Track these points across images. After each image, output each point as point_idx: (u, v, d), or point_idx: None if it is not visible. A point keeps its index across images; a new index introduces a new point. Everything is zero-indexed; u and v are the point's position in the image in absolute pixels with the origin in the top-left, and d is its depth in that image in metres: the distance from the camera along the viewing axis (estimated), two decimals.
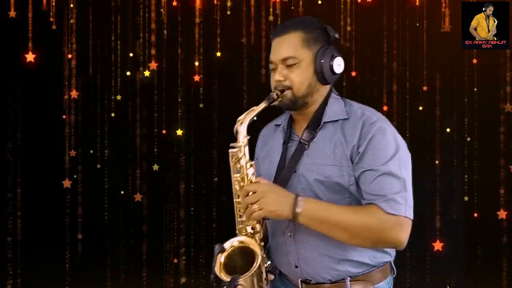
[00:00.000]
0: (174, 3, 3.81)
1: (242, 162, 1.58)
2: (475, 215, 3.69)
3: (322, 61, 1.63)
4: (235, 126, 1.59)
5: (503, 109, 3.69)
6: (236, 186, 1.60)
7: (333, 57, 1.64)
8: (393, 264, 1.69)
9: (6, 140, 3.77)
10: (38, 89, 3.80)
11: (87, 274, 3.76)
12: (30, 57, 3.71)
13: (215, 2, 3.80)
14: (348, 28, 3.71)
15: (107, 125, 3.85)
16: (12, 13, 3.71)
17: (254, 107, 1.60)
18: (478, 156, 3.71)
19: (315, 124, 1.67)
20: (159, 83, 3.85)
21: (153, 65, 3.83)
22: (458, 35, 3.37)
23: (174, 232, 3.80)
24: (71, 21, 3.76)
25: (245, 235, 1.59)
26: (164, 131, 3.87)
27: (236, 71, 3.81)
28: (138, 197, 3.83)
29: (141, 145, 3.86)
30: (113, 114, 3.86)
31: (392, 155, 1.57)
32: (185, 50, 3.85)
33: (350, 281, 1.61)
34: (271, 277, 1.61)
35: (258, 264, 1.54)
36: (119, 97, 3.85)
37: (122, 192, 3.87)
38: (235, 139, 1.61)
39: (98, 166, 3.84)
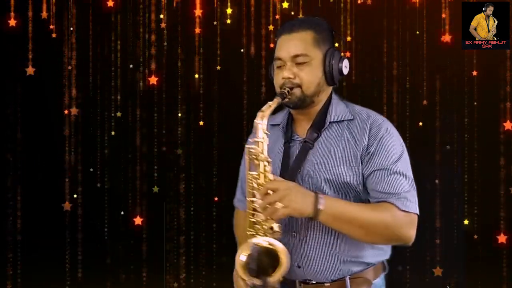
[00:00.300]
0: (174, 5, 3.78)
1: (261, 158, 1.56)
2: (475, 237, 3.65)
3: (333, 62, 1.66)
4: (256, 119, 1.58)
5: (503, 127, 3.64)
6: (253, 184, 1.57)
7: (341, 59, 1.68)
8: (385, 262, 1.73)
9: (7, 144, 3.76)
10: (38, 103, 3.77)
11: (87, 274, 3.76)
12: (30, 70, 3.68)
13: (215, 4, 3.77)
14: (348, 38, 3.69)
15: (108, 143, 3.82)
16: (12, 22, 3.68)
17: (270, 103, 1.60)
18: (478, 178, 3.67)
19: (319, 124, 1.69)
20: (159, 97, 3.81)
21: (153, 79, 3.79)
22: (458, 48, 3.43)
23: (174, 232, 3.80)
24: (71, 28, 3.73)
25: (263, 234, 1.55)
26: (164, 148, 3.83)
27: (236, 83, 3.77)
28: (138, 220, 3.80)
29: (141, 165, 3.82)
30: (113, 133, 3.81)
31: (399, 156, 1.63)
32: (185, 63, 3.81)
33: (349, 279, 1.64)
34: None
35: (286, 268, 1.52)
36: (119, 114, 3.81)
37: (122, 213, 3.85)
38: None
39: (98, 185, 3.80)
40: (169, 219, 3.82)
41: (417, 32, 3.68)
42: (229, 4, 3.76)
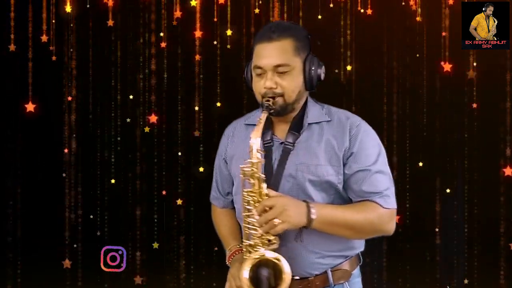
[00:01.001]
0: (175, 23, 3.72)
1: (256, 177, 1.61)
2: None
3: (313, 69, 1.70)
4: (250, 140, 1.61)
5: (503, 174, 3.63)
6: (249, 201, 1.62)
7: (319, 65, 1.72)
8: (360, 254, 1.83)
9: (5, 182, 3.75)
10: (37, 143, 3.74)
11: (87, 274, 3.75)
12: (30, 107, 3.67)
13: (215, 18, 3.71)
14: (348, 54, 3.68)
15: (107, 192, 3.78)
16: (12, 47, 3.66)
17: (260, 119, 1.63)
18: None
19: (298, 126, 1.74)
20: (159, 140, 3.77)
21: (153, 118, 3.75)
22: (458, 82, 3.49)
23: (174, 232, 3.80)
24: (71, 49, 3.70)
25: (261, 246, 1.62)
26: (164, 193, 3.76)
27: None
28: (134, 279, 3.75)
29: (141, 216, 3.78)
30: (113, 181, 3.76)
31: (378, 154, 1.72)
32: (185, 100, 3.75)
33: (331, 271, 1.73)
34: None
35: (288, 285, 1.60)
36: (118, 148, 3.76)
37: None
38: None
39: (98, 233, 3.75)
40: (169, 219, 3.82)
41: (417, 55, 3.66)
42: (228, 25, 3.70)
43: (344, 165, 1.70)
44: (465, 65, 3.61)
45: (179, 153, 3.76)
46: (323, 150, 1.70)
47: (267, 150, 1.74)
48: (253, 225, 1.61)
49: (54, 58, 3.70)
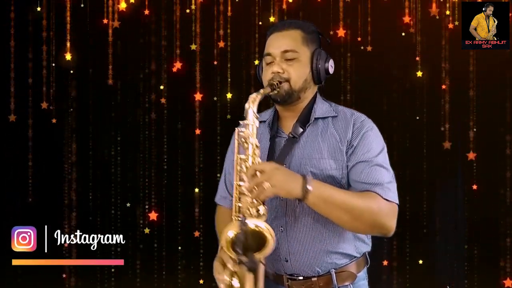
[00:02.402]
0: (174, 69, 3.70)
1: (251, 141, 1.59)
2: None
3: (319, 61, 1.75)
4: (247, 103, 1.61)
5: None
6: (238, 167, 1.60)
7: (327, 59, 1.77)
8: (367, 256, 1.81)
9: None
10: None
11: (86, 274, 3.75)
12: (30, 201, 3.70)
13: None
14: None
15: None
16: (12, 118, 3.68)
17: (260, 90, 1.65)
18: None
19: (305, 119, 1.77)
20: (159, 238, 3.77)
21: (153, 215, 3.75)
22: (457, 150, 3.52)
23: (175, 232, 3.80)
24: (70, 109, 3.71)
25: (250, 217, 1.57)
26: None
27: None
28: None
29: None
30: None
31: (380, 151, 1.71)
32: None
33: (335, 273, 1.71)
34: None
35: (272, 247, 1.50)
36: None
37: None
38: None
39: None
40: (169, 219, 3.82)
41: (417, 118, 3.69)
42: (228, 88, 3.70)
43: (346, 157, 1.70)
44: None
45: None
46: (327, 144, 1.71)
47: (272, 142, 1.77)
48: (243, 194, 1.57)
49: (54, 120, 3.71)
